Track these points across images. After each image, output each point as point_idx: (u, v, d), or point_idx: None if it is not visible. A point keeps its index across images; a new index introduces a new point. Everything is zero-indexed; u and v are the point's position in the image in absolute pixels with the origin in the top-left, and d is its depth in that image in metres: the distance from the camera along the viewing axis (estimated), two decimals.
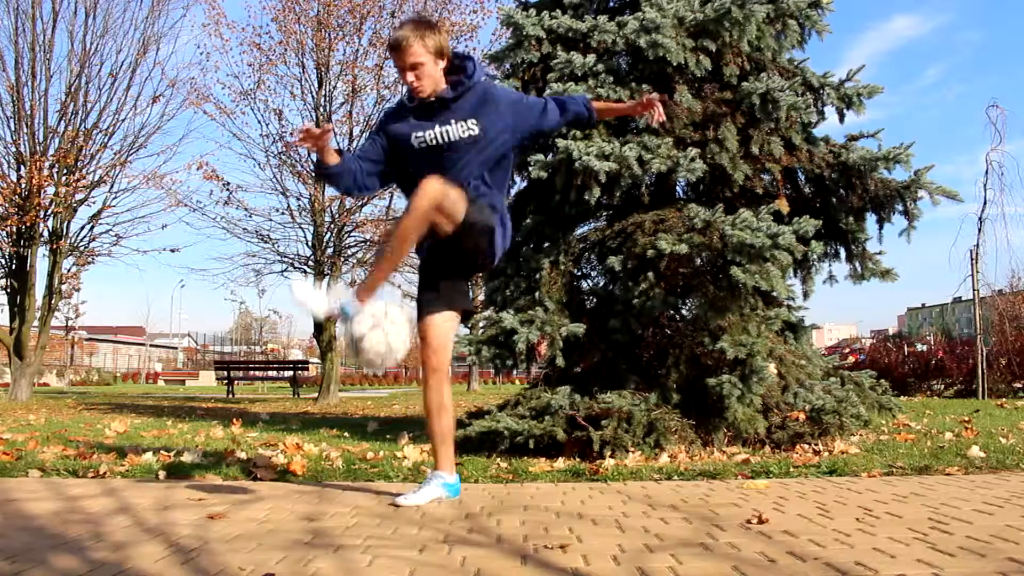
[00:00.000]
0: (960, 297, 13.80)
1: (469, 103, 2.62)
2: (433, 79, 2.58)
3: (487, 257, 2.68)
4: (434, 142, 2.61)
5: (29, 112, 11.66)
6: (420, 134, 2.62)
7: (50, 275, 11.98)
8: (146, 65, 12.86)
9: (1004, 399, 9.22)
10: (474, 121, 2.59)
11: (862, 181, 4.47)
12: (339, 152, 2.61)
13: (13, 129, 11.68)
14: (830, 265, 4.86)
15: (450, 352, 2.78)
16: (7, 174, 11.50)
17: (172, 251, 12.74)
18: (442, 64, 2.60)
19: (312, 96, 12.19)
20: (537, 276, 4.36)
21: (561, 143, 4.10)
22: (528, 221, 4.66)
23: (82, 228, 12.36)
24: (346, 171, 2.61)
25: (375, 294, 2.56)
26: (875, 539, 2.00)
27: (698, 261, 4.06)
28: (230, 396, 15.48)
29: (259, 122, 12.53)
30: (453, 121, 2.60)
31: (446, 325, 2.72)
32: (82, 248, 12.30)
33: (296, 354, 46.14)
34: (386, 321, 2.49)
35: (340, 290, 2.55)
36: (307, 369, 23.14)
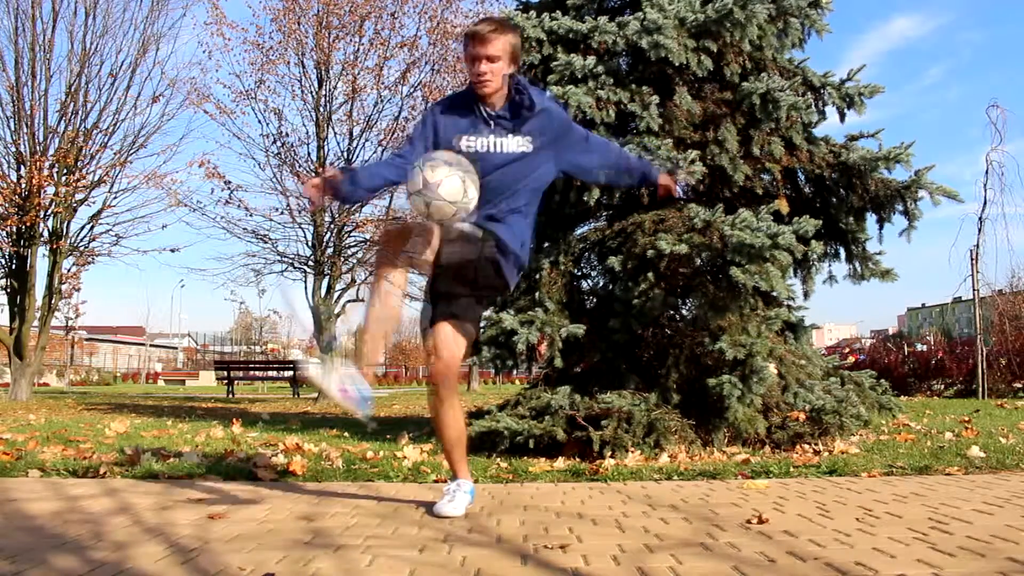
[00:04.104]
0: (960, 297, 13.80)
1: (527, 120, 2.51)
2: (501, 79, 2.47)
3: (493, 286, 2.54)
4: (484, 150, 2.47)
5: (29, 112, 11.65)
6: (472, 139, 2.49)
7: (50, 275, 11.98)
8: (146, 65, 12.88)
9: (1004, 399, 9.22)
10: (529, 139, 2.50)
11: (862, 181, 4.47)
12: (345, 170, 2.50)
13: (13, 129, 11.70)
14: (830, 265, 4.87)
15: (458, 361, 2.54)
16: (7, 174, 11.50)
17: (172, 251, 12.75)
18: (511, 70, 2.50)
19: (312, 96, 12.19)
20: (537, 276, 4.36)
21: None
22: None
23: (82, 228, 12.38)
24: (358, 189, 2.53)
25: (376, 361, 2.42)
26: (875, 539, 2.00)
27: (698, 261, 4.06)
28: (230, 396, 15.47)
29: (259, 122, 12.54)
30: (510, 135, 2.49)
31: (456, 333, 2.49)
32: (82, 248, 12.30)
33: (296, 354, 46.07)
34: (460, 167, 2.30)
35: (345, 370, 2.36)
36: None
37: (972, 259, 10.61)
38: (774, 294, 4.07)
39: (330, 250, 12.02)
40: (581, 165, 2.69)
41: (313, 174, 11.92)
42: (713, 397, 3.83)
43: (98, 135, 12.10)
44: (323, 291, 12.13)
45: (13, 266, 11.87)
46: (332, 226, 12.01)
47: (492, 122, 2.50)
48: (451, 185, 2.26)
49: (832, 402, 4.03)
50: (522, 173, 2.51)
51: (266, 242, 12.43)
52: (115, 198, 12.38)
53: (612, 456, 3.62)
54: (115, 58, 12.46)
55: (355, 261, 12.35)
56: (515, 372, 4.89)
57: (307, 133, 12.25)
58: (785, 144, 4.50)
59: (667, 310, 4.27)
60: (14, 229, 11.58)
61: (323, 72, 12.07)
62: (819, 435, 3.99)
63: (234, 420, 6.00)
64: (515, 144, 2.50)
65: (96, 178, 12.19)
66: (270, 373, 20.32)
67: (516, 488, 3.03)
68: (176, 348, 55.29)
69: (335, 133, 12.34)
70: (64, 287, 12.21)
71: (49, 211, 11.78)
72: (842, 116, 4.62)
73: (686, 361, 4.13)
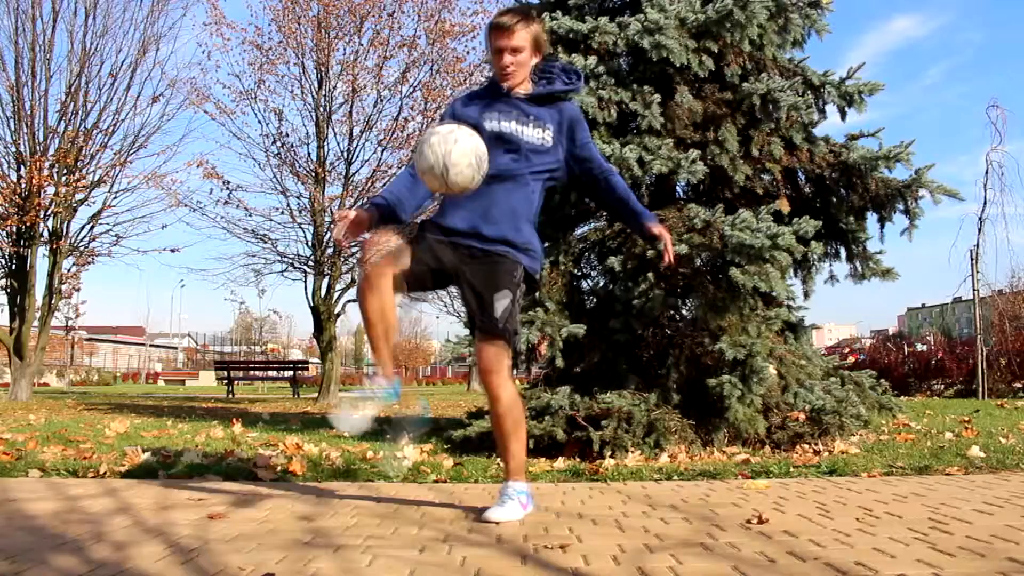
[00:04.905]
0: (960, 297, 13.78)
1: (549, 112, 2.51)
2: (526, 70, 2.47)
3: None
4: (507, 131, 2.46)
5: (29, 112, 11.65)
6: (493, 120, 2.47)
7: (50, 275, 11.98)
8: (146, 65, 12.84)
9: (1004, 399, 9.22)
10: (550, 132, 2.49)
11: (863, 180, 4.46)
12: (382, 206, 2.43)
13: (13, 129, 11.68)
14: (831, 265, 4.86)
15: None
16: (7, 174, 11.50)
17: (172, 251, 12.74)
18: (536, 60, 2.50)
19: (312, 96, 12.18)
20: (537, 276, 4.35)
21: None
22: None
23: (82, 228, 12.36)
24: (403, 213, 2.45)
25: (390, 365, 2.40)
26: (875, 539, 2.00)
27: (698, 261, 4.06)
28: (230, 396, 15.48)
29: (259, 122, 12.54)
30: (531, 123, 2.48)
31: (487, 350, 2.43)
32: (82, 248, 12.30)
33: (296, 354, 46.18)
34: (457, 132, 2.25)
35: (367, 398, 2.36)
36: (307, 369, 23.14)
37: (972, 259, 10.61)
38: (774, 294, 4.07)
39: (330, 250, 12.02)
40: (589, 156, 2.59)
41: (313, 174, 11.93)
42: (713, 397, 3.83)
43: (98, 135, 12.10)
44: (323, 291, 12.13)
45: (13, 266, 11.86)
46: (332, 226, 11.99)
47: (515, 107, 2.49)
48: (431, 140, 2.20)
49: (832, 402, 4.03)
50: (535, 164, 2.49)
51: (266, 242, 12.44)
52: (115, 198, 12.39)
53: (612, 456, 3.62)
54: (115, 58, 12.43)
55: (355, 261, 12.36)
56: (515, 372, 4.88)
57: (307, 133, 12.25)
58: (785, 144, 4.49)
59: (667, 310, 4.27)
60: (14, 229, 11.58)
61: (323, 72, 12.07)
62: (819, 435, 3.99)
63: (234, 420, 6.00)
64: (535, 134, 2.49)
65: (96, 178, 12.19)
66: (270, 373, 20.33)
67: None
68: (176, 348, 55.33)
69: (335, 133, 12.33)
70: (64, 287, 12.21)
71: (49, 211, 11.77)
72: (843, 115, 4.62)
73: (686, 361, 4.13)
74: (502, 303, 2.40)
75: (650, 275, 4.06)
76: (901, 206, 4.48)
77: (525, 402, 4.15)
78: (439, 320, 73.25)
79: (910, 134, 8.93)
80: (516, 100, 2.51)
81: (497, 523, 2.31)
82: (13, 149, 11.66)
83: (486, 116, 2.48)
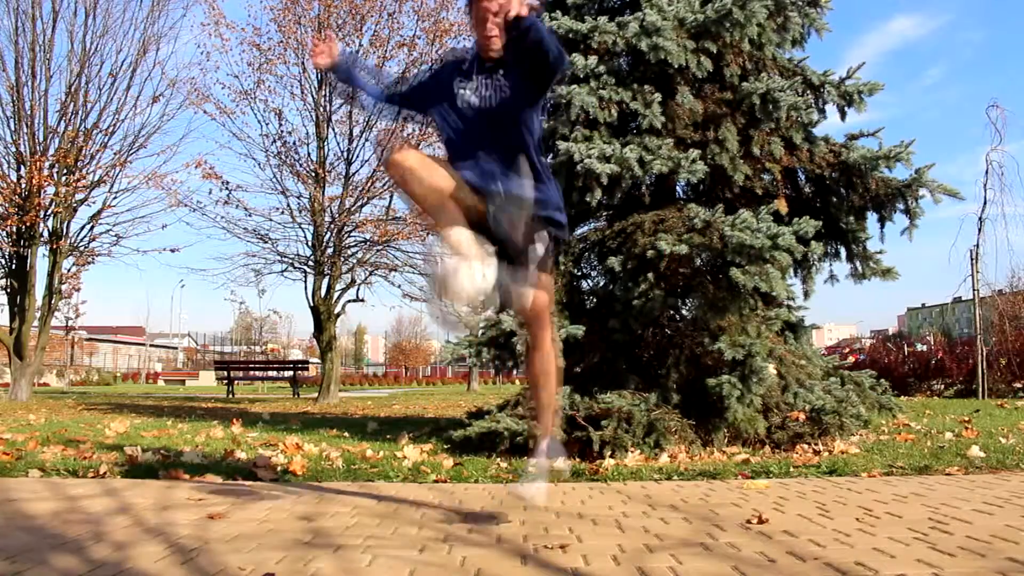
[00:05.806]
0: (960, 297, 13.77)
1: (510, 57, 2.48)
2: (503, 36, 2.44)
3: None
4: (477, 104, 2.49)
5: (29, 112, 11.65)
6: (466, 96, 2.51)
7: (50, 275, 11.98)
8: (146, 65, 12.84)
9: (1004, 399, 9.22)
10: (517, 72, 2.46)
11: (863, 180, 4.46)
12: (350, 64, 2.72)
13: (13, 129, 11.69)
14: (831, 265, 4.86)
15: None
16: (7, 174, 11.50)
17: (172, 251, 12.73)
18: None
19: (312, 96, 12.19)
20: None
21: (562, 145, 4.10)
22: None
23: (82, 228, 12.37)
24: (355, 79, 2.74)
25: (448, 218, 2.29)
26: (875, 539, 2.00)
27: (698, 261, 4.06)
28: (230, 396, 15.47)
29: (259, 122, 12.54)
30: (503, 76, 2.49)
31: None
32: (82, 248, 12.30)
33: (296, 354, 46.15)
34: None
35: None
36: (307, 369, 23.12)
37: (972, 259, 10.61)
38: (774, 294, 4.07)
39: (330, 250, 12.02)
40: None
41: (313, 174, 11.93)
42: (713, 397, 3.83)
43: (98, 135, 12.10)
44: (323, 291, 12.13)
45: (13, 266, 11.87)
46: (332, 226, 12.01)
47: (491, 71, 2.50)
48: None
49: (832, 402, 4.03)
50: (515, 109, 2.48)
51: (266, 242, 12.45)
52: (115, 198, 12.39)
53: (612, 456, 3.62)
54: (115, 58, 12.43)
55: (355, 261, 12.36)
56: (515, 372, 4.89)
57: (307, 133, 12.26)
58: (785, 144, 4.49)
59: (667, 310, 4.27)
60: (14, 229, 11.58)
61: (323, 72, 12.06)
62: (819, 435, 3.99)
63: (234, 420, 6.00)
64: (505, 86, 2.49)
65: (96, 178, 12.19)
66: (270, 373, 20.32)
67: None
68: (176, 348, 55.29)
69: (335, 133, 12.34)
70: (64, 287, 12.21)
71: (49, 211, 11.78)
72: (843, 114, 4.62)
73: (686, 361, 4.13)
74: (538, 248, 2.42)
75: (650, 275, 4.06)
76: (901, 206, 4.48)
77: (525, 403, 4.16)
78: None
79: (910, 134, 8.94)
80: (494, 66, 2.51)
81: (527, 500, 2.35)
82: (13, 149, 11.67)
83: (461, 92, 2.52)
